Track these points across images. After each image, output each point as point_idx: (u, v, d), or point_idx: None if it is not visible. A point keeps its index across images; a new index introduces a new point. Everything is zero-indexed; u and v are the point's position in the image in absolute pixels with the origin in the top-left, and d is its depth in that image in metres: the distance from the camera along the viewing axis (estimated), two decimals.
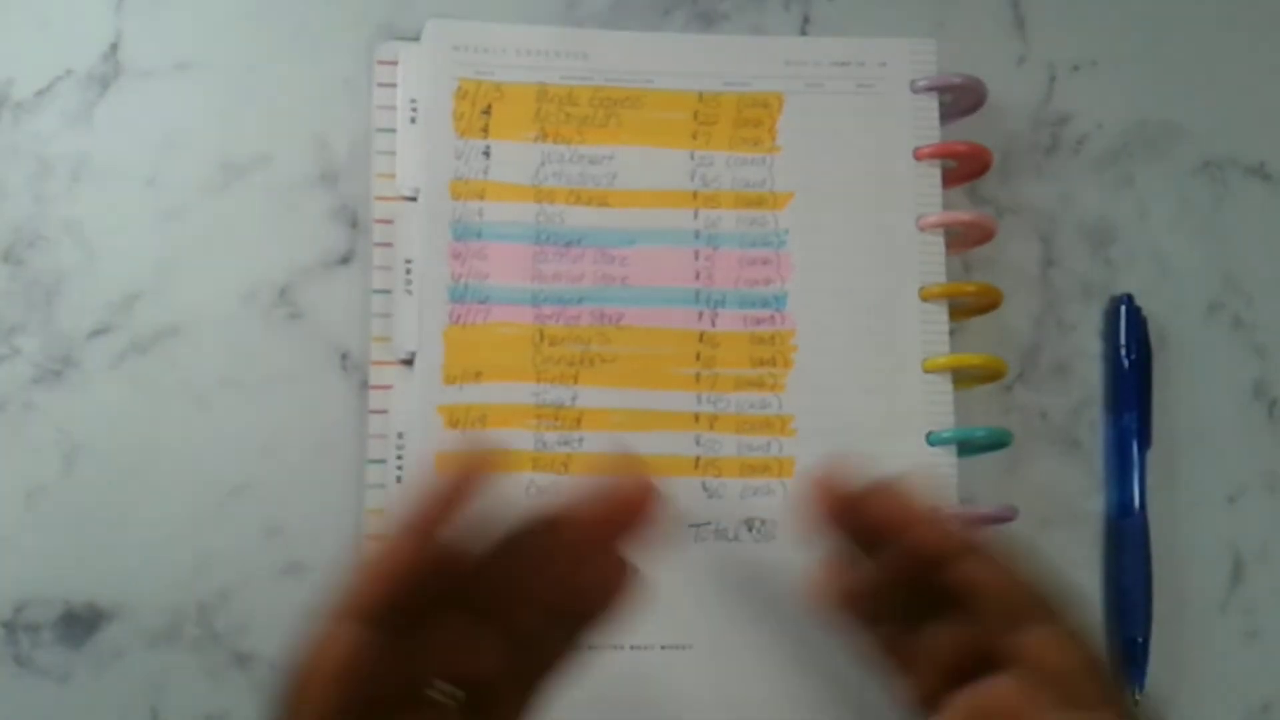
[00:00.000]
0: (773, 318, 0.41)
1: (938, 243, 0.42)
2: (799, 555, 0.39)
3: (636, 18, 0.44)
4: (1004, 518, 0.39)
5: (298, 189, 0.42)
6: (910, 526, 0.32)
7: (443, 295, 0.40)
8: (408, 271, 0.41)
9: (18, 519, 0.40)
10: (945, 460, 0.40)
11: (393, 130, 0.42)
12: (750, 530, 0.40)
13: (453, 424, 0.39)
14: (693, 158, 0.42)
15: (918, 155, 0.42)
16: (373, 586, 0.29)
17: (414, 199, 0.41)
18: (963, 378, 0.41)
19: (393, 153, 0.41)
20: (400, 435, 0.40)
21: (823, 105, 0.42)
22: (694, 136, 0.42)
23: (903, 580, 0.32)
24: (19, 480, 0.40)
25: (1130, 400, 0.43)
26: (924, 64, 0.43)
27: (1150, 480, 0.43)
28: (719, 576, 0.39)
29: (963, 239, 0.43)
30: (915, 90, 0.43)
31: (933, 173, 0.42)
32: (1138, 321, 0.44)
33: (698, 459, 0.40)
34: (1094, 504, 0.43)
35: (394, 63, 0.42)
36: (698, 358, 0.40)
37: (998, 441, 0.40)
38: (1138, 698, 0.41)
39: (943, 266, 0.41)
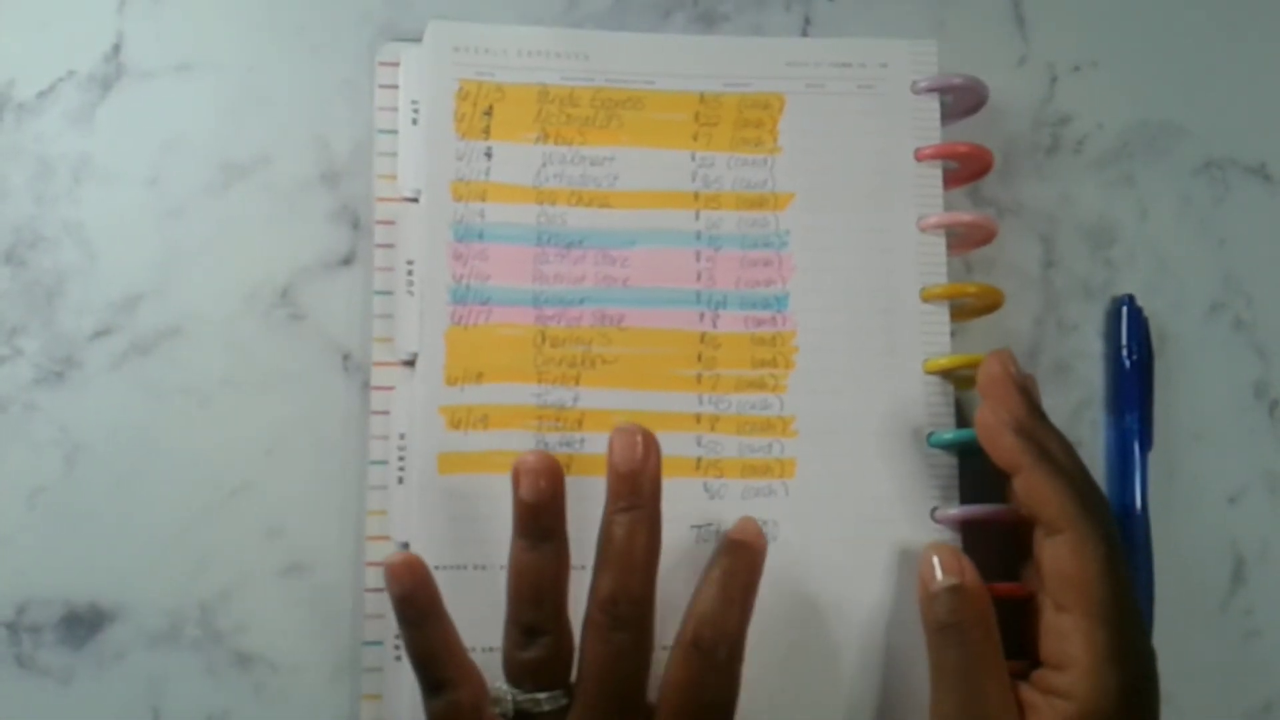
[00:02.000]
0: (774, 319, 0.41)
1: (939, 244, 0.42)
2: (801, 556, 0.40)
3: (637, 19, 0.44)
4: (1004, 519, 0.39)
5: (299, 190, 0.42)
6: (988, 440, 0.37)
7: (444, 296, 0.40)
8: (409, 273, 0.41)
9: (19, 519, 0.40)
10: (946, 461, 0.40)
11: (394, 131, 0.42)
12: None
13: (454, 425, 0.39)
14: (694, 159, 0.42)
15: (918, 156, 0.42)
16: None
17: (415, 200, 0.41)
18: (964, 379, 0.41)
19: (394, 154, 0.41)
20: (402, 436, 0.40)
21: (824, 106, 0.42)
22: (695, 137, 0.42)
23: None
24: (20, 480, 0.40)
25: (1131, 401, 0.43)
26: (925, 65, 0.43)
27: (1151, 481, 0.43)
28: None
29: (963, 240, 0.43)
30: (916, 91, 0.43)
31: (934, 173, 0.42)
32: (1139, 322, 0.44)
33: (699, 460, 0.40)
34: None
35: (395, 64, 0.42)
36: (699, 359, 0.41)
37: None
38: None
39: (944, 267, 0.41)
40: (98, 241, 0.42)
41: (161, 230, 0.42)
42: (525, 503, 0.35)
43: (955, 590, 0.36)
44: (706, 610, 0.35)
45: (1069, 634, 0.35)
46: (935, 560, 0.37)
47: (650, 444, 0.36)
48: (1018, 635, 0.37)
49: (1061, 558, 0.36)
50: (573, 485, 0.39)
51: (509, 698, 0.35)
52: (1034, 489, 0.36)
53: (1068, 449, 0.37)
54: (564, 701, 0.35)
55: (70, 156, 0.42)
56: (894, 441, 0.40)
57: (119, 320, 0.41)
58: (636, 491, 0.35)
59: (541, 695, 0.35)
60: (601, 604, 0.35)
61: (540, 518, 0.35)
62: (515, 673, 0.35)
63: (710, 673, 0.35)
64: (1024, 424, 0.37)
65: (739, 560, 0.36)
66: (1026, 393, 0.38)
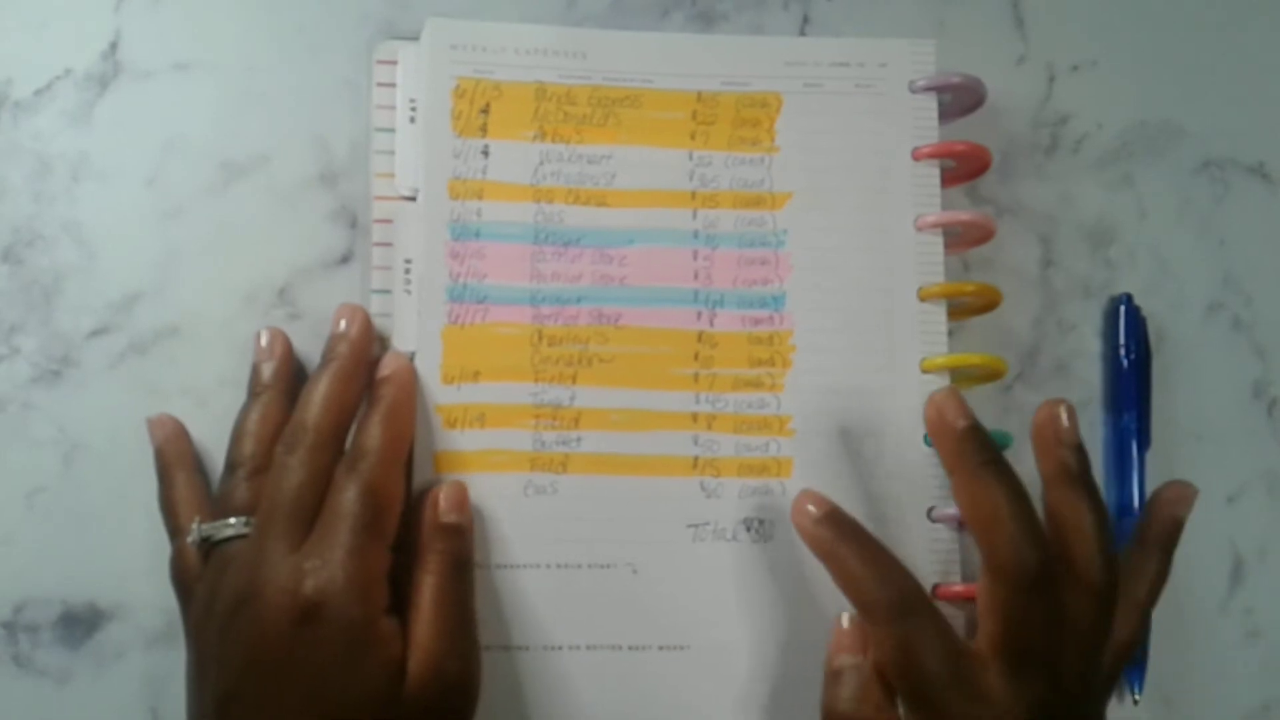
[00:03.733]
0: (771, 318, 0.41)
1: (936, 243, 0.42)
2: (798, 555, 0.39)
3: (636, 17, 0.44)
4: None
5: (297, 189, 0.42)
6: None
7: (441, 295, 0.40)
8: (407, 271, 0.41)
9: (18, 519, 0.40)
10: None
11: (392, 130, 0.42)
12: (749, 530, 0.40)
13: (451, 424, 0.39)
14: (691, 158, 0.42)
15: (916, 155, 0.42)
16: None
17: (413, 199, 0.41)
18: (962, 378, 0.41)
19: (392, 152, 0.41)
20: None
21: (822, 105, 0.42)
22: (692, 136, 0.42)
23: None
24: (19, 480, 0.41)
25: (1130, 400, 0.43)
26: (923, 64, 0.43)
27: (1149, 480, 0.43)
28: (718, 576, 0.39)
29: (962, 239, 0.43)
30: (914, 90, 0.42)
31: (932, 172, 0.42)
32: (1137, 321, 0.44)
33: (696, 459, 0.40)
34: None
35: (393, 62, 0.42)
36: (696, 358, 0.41)
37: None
38: (1136, 697, 0.42)
39: (941, 266, 0.41)
40: (96, 240, 0.42)
41: (160, 230, 0.42)
42: (253, 364, 0.40)
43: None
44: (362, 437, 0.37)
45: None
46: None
47: (360, 318, 0.39)
48: None
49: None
50: (572, 484, 0.39)
51: (195, 526, 0.37)
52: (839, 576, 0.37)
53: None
54: (246, 528, 0.37)
55: (68, 155, 0.42)
56: (891, 440, 0.40)
57: (117, 319, 0.41)
58: (335, 349, 0.39)
59: (228, 521, 0.37)
60: (283, 435, 0.37)
61: (260, 374, 0.40)
62: (215, 505, 0.38)
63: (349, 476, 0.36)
64: None
65: (387, 389, 0.38)
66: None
